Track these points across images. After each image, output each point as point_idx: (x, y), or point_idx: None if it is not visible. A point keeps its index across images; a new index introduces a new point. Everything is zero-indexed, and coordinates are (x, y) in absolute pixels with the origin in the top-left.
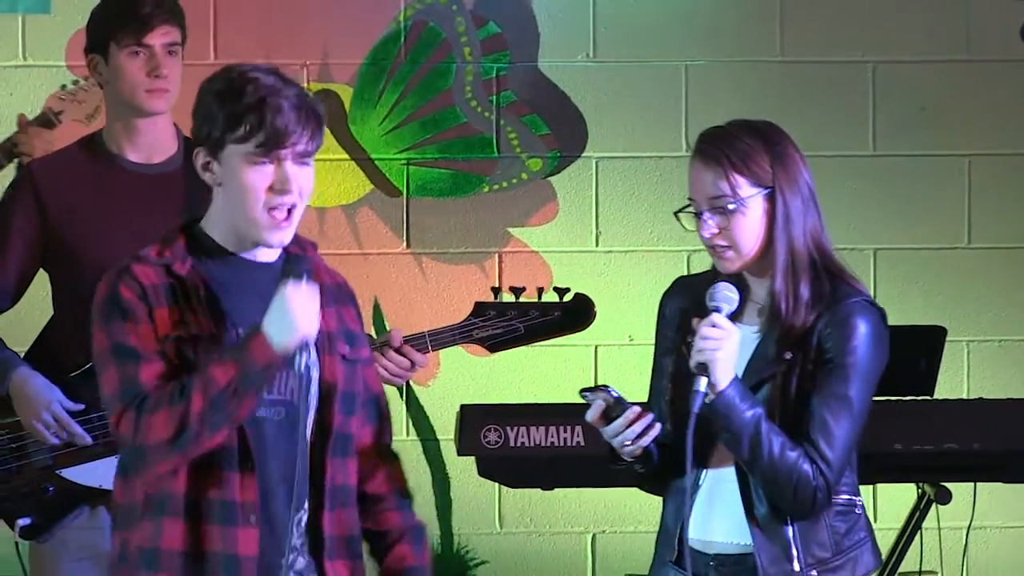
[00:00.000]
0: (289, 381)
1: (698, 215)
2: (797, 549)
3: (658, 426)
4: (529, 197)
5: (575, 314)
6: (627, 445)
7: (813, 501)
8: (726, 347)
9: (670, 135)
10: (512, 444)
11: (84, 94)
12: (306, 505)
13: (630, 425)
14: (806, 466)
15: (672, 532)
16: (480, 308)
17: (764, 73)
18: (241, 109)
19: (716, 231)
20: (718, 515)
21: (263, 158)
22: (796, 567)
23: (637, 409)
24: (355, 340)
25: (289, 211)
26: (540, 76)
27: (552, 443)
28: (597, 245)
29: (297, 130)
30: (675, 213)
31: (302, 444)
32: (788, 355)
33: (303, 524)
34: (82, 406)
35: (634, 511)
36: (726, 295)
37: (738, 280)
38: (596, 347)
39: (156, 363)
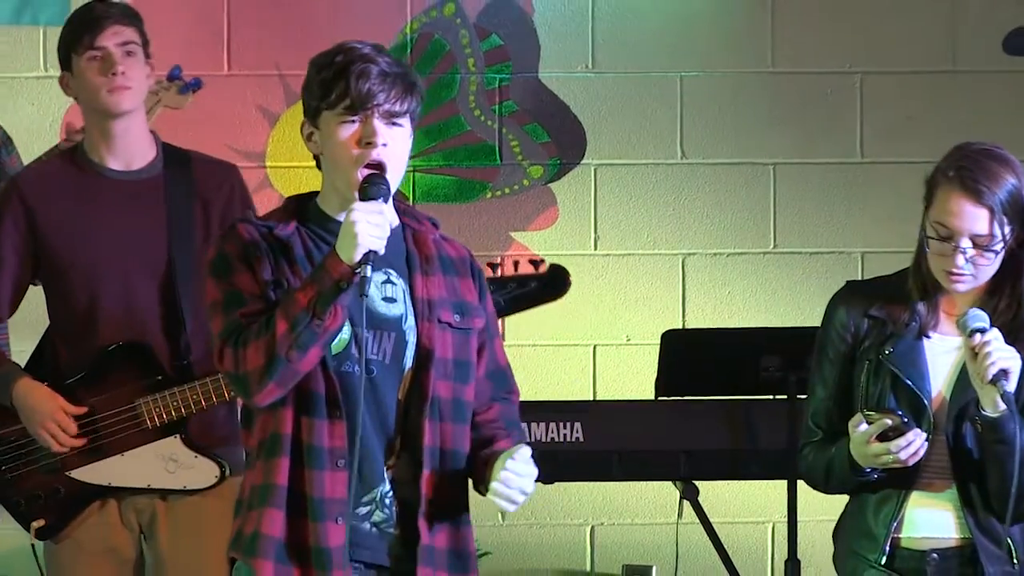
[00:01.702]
0: (383, 343)
1: (951, 243)
2: (1015, 548)
3: (925, 443)
4: (531, 202)
5: (551, 284)
6: (897, 464)
7: None
8: (1018, 361)
9: (666, 143)
10: None
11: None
12: (391, 461)
13: (909, 445)
14: None
15: (881, 537)
16: None
17: (756, 84)
18: (331, 76)
19: (971, 264)
20: (931, 516)
21: (351, 116)
22: (1016, 566)
23: (920, 432)
24: (467, 310)
25: (378, 165)
26: (541, 86)
27: (552, 439)
28: (596, 249)
29: (382, 91)
30: (924, 235)
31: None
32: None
33: (387, 479)
34: (85, 409)
35: (630, 504)
36: (985, 317)
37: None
38: (595, 347)
39: (254, 306)
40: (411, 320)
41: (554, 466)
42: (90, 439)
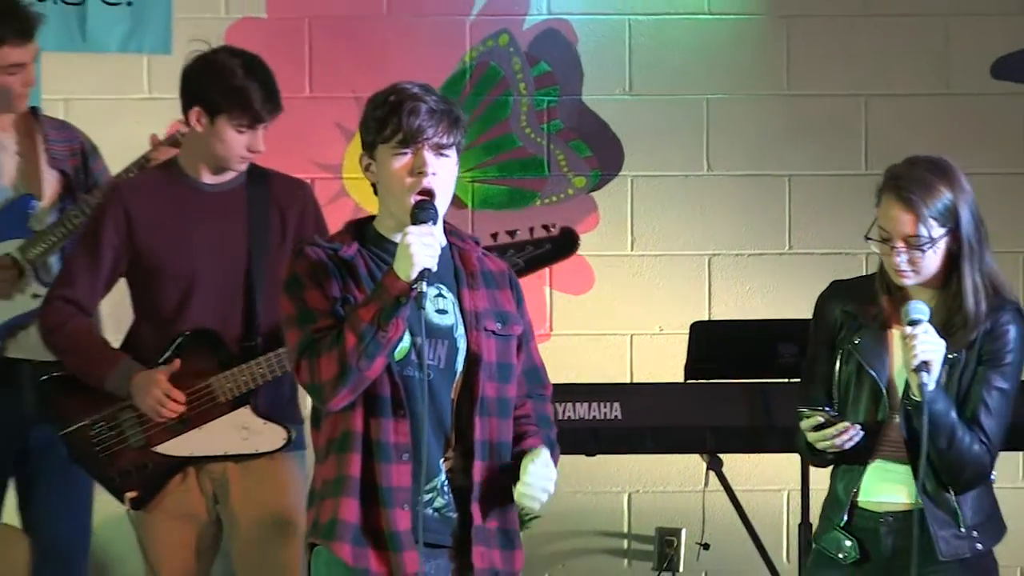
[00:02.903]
0: (438, 350)
1: (889, 244)
2: (963, 515)
3: (860, 434)
4: (574, 209)
5: (563, 243)
6: (834, 449)
7: (981, 478)
8: (940, 352)
9: (694, 157)
10: (560, 418)
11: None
12: (446, 453)
13: (839, 434)
14: (979, 450)
15: (844, 502)
16: (483, 252)
17: (773, 105)
18: (385, 113)
19: (909, 262)
20: (888, 484)
21: (404, 149)
22: (962, 530)
23: (848, 425)
24: (507, 319)
25: (428, 193)
26: (584, 107)
27: (594, 416)
28: (632, 250)
29: (431, 126)
30: (866, 237)
31: (441, 402)
32: (953, 355)
33: (444, 470)
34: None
35: (663, 474)
36: (925, 309)
37: (903, 291)
38: (631, 336)
39: (324, 321)
40: (461, 329)
41: (595, 441)
42: (172, 416)
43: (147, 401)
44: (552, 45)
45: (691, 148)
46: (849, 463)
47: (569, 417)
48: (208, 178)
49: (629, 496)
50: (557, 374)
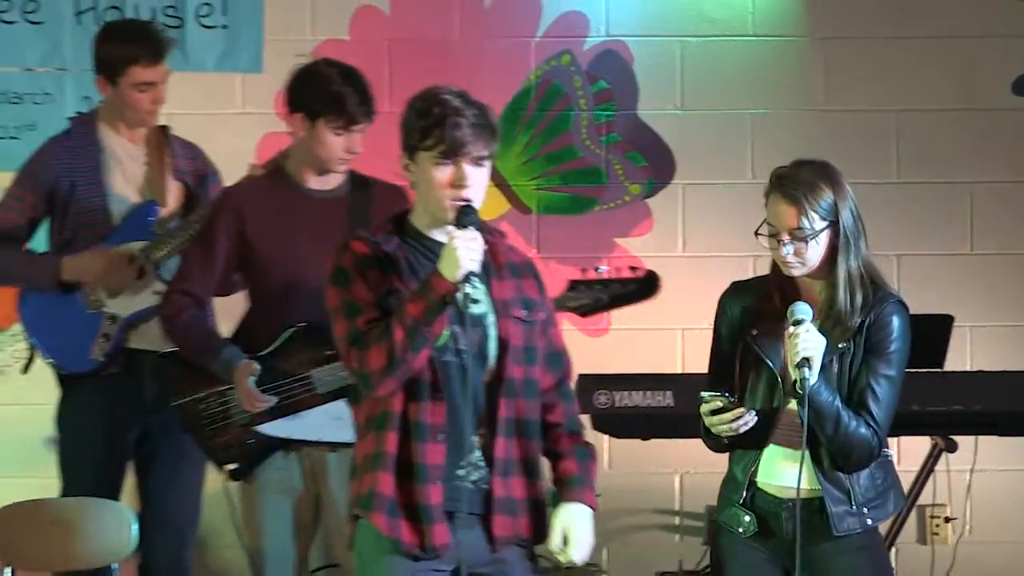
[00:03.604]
0: (471, 337)
1: (776, 238)
2: (854, 493)
3: (754, 419)
4: (631, 214)
5: (646, 286)
6: (730, 433)
7: (869, 458)
8: (821, 348)
9: (739, 167)
10: (617, 405)
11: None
12: (481, 431)
13: (736, 419)
14: (866, 433)
15: (741, 482)
16: (572, 284)
17: (811, 120)
18: (430, 124)
19: (794, 254)
20: (787, 469)
21: (446, 160)
22: (854, 507)
23: (744, 410)
24: (532, 305)
25: (465, 201)
26: (639, 121)
27: (648, 404)
28: (683, 251)
29: (471, 141)
30: (755, 233)
31: (471, 385)
32: (842, 345)
33: (478, 446)
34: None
35: (712, 457)
36: (807, 310)
37: (792, 282)
38: (682, 330)
39: (370, 312)
40: (491, 317)
41: (649, 426)
42: (275, 400)
43: (238, 393)
44: (610, 65)
45: (737, 159)
46: (745, 447)
47: (625, 404)
48: (313, 182)
49: (680, 477)
50: (614, 365)
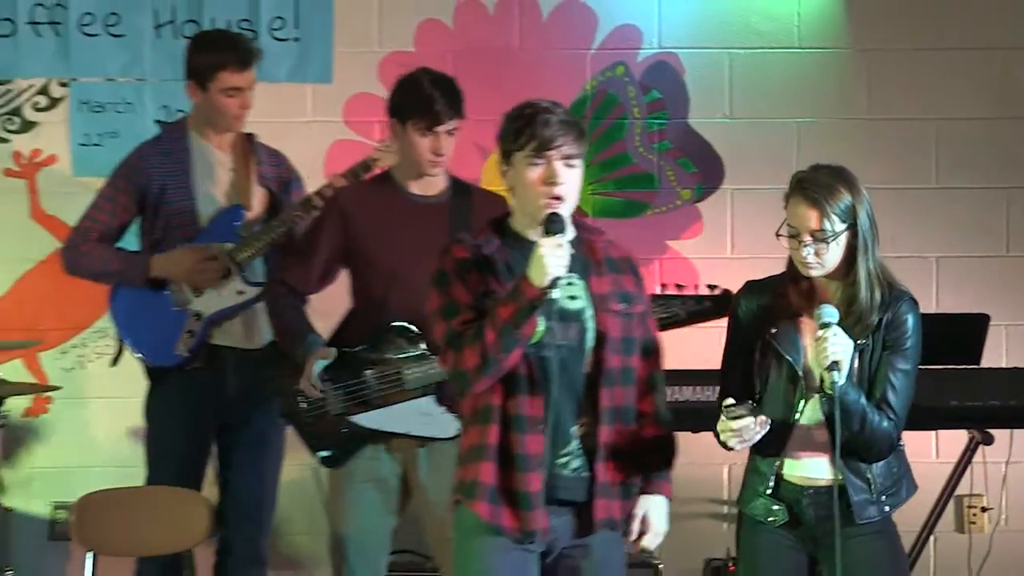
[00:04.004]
0: (570, 331)
1: (797, 239)
2: (873, 482)
3: (767, 428)
4: (682, 218)
5: (721, 304)
6: (742, 446)
7: (890, 450)
8: (849, 351)
9: (785, 173)
10: (670, 399)
11: (393, 148)
12: (580, 420)
13: (750, 428)
14: (888, 426)
15: (767, 473)
16: (651, 298)
17: (854, 128)
18: (521, 125)
19: (814, 253)
20: (811, 461)
21: (537, 159)
22: (874, 496)
23: (765, 418)
24: (630, 299)
25: (558, 198)
26: (690, 129)
27: (698, 399)
28: (731, 253)
29: (560, 136)
30: (776, 234)
31: (573, 376)
32: (862, 342)
33: (578, 436)
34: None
35: None
36: (835, 313)
37: (808, 282)
38: None
39: (466, 314)
40: (589, 311)
41: (699, 419)
42: (366, 394)
43: (303, 374)
44: (662, 75)
45: (783, 165)
46: (772, 438)
47: (677, 399)
48: (416, 188)
49: (728, 468)
50: (667, 361)
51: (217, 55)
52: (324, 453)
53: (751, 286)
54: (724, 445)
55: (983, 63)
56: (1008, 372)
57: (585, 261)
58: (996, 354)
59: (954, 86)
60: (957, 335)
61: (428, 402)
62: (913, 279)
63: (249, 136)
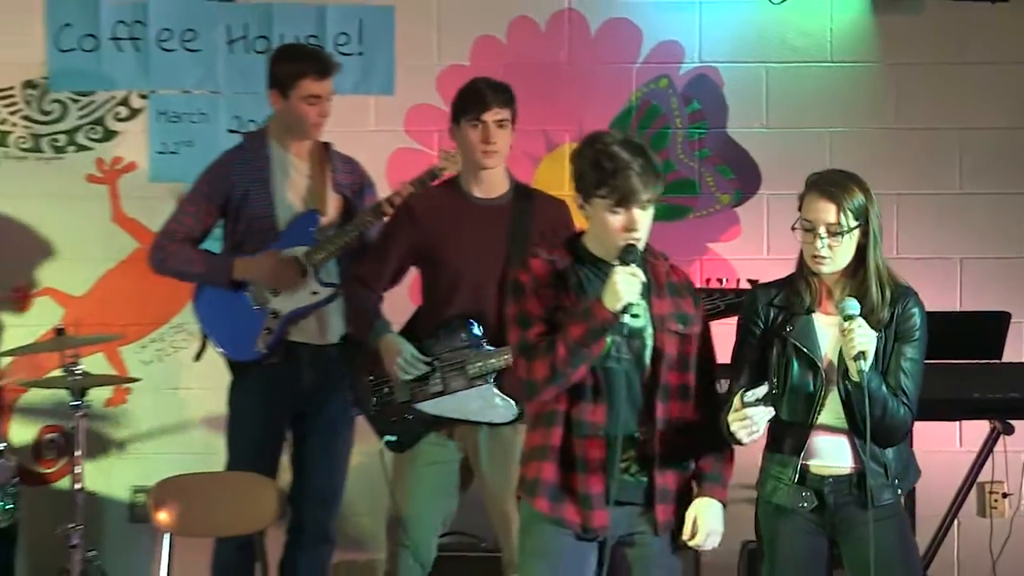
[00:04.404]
0: (632, 346)
1: (812, 232)
2: (889, 468)
3: (767, 415)
4: (721, 222)
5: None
6: (749, 440)
7: (905, 435)
8: (873, 341)
9: None
10: None
11: (458, 157)
12: (639, 429)
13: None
14: (905, 412)
15: (790, 461)
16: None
17: (883, 137)
18: (604, 177)
19: (828, 247)
20: (831, 450)
21: (618, 208)
22: (889, 480)
23: (771, 410)
24: (687, 320)
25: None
26: (728, 139)
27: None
28: (767, 255)
29: (640, 190)
30: (792, 227)
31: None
32: (877, 335)
33: (638, 442)
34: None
35: None
36: (857, 305)
37: (820, 281)
38: None
39: (539, 326)
40: (650, 329)
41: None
42: (431, 380)
43: (386, 359)
44: (703, 87)
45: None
46: (795, 427)
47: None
48: (478, 192)
49: (762, 455)
50: None
51: (299, 65)
52: (390, 438)
53: (763, 287)
54: (732, 437)
55: (1003, 77)
56: None
57: (648, 283)
58: (1016, 349)
59: (976, 98)
60: (979, 332)
61: (488, 390)
62: (937, 279)
63: (326, 145)
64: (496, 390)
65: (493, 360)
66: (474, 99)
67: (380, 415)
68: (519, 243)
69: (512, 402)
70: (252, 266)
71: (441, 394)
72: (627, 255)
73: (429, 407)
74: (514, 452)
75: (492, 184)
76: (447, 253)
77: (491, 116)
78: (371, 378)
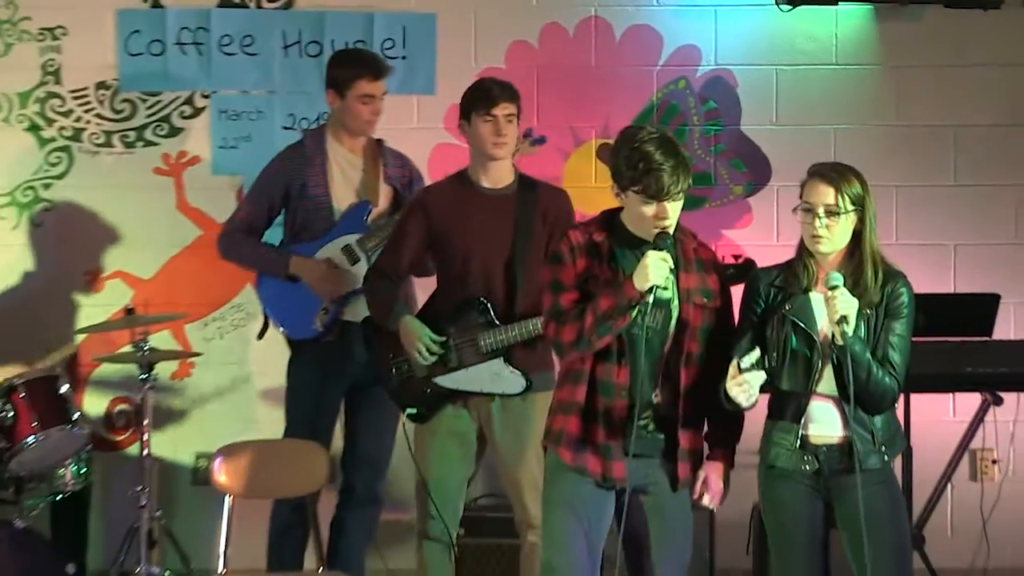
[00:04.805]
0: (656, 316)
1: (812, 214)
2: (876, 435)
3: (757, 379)
4: (734, 211)
5: (743, 271)
6: (748, 403)
7: (892, 402)
8: (854, 307)
9: None
10: None
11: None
12: (657, 391)
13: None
14: (891, 381)
15: (792, 429)
16: None
17: (884, 134)
18: (638, 175)
19: (826, 227)
20: (824, 419)
21: (650, 200)
22: (876, 447)
23: (758, 374)
24: (711, 295)
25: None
26: (741, 135)
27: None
28: (777, 241)
29: (670, 186)
30: (793, 210)
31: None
32: (868, 312)
33: (656, 403)
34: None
35: None
36: (840, 277)
37: (815, 262)
38: None
39: (571, 293)
40: (676, 301)
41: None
42: (447, 358)
43: (405, 341)
44: (718, 88)
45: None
46: (794, 396)
47: None
48: (486, 182)
49: None
50: None
51: (355, 68)
52: (411, 410)
53: (764, 271)
54: (732, 402)
55: (995, 78)
56: (1016, 343)
57: (677, 259)
58: (1006, 328)
59: (970, 98)
60: (972, 311)
61: (498, 363)
62: (933, 264)
63: (378, 141)
64: (506, 364)
65: (503, 336)
66: (485, 96)
67: (401, 390)
68: (524, 229)
69: (521, 374)
70: (305, 269)
71: (456, 369)
72: (660, 241)
73: (446, 381)
74: (524, 421)
75: (499, 175)
76: (458, 240)
77: (501, 111)
78: (392, 356)
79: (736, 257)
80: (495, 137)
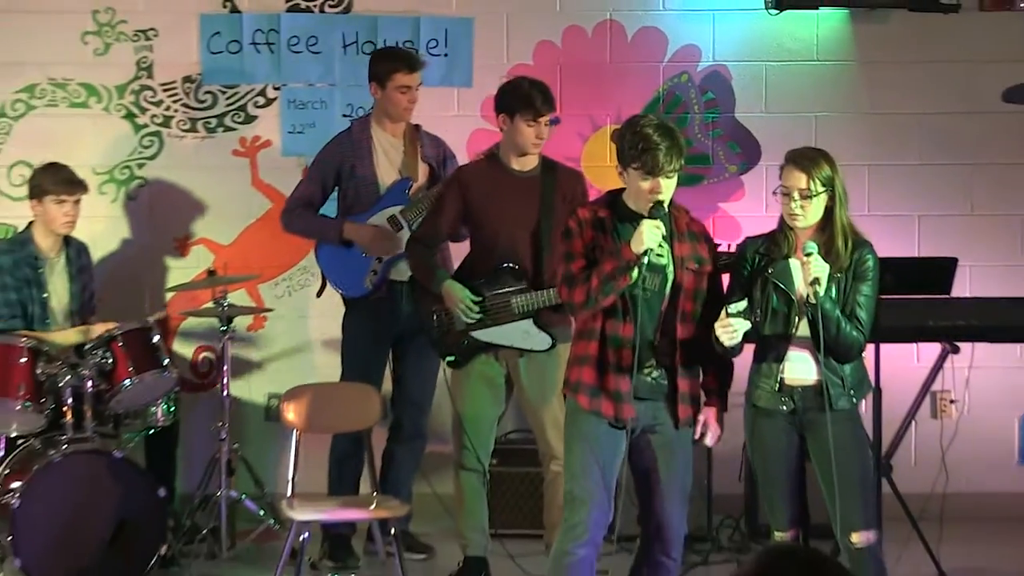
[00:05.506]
0: (655, 279)
1: (789, 196)
2: (845, 380)
3: (741, 326)
4: (729, 187)
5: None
6: (732, 342)
7: (859, 352)
8: (826, 271)
9: None
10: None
11: None
12: (659, 343)
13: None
14: (858, 335)
15: (772, 373)
16: None
17: (858, 120)
18: (637, 154)
19: (800, 208)
20: (800, 364)
21: (648, 176)
22: (845, 390)
23: (742, 321)
24: (702, 261)
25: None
26: (736, 121)
27: None
28: (765, 212)
29: (665, 165)
30: (773, 192)
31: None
32: (838, 275)
33: (658, 353)
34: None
35: None
36: (815, 245)
37: (794, 234)
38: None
39: (580, 261)
40: (671, 267)
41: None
42: (483, 315)
43: (449, 303)
44: (715, 81)
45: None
46: (774, 344)
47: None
48: (515, 164)
49: None
50: None
51: (394, 62)
52: (450, 358)
53: (751, 239)
54: (718, 342)
55: (954, 71)
56: (972, 300)
57: (672, 230)
58: (962, 286)
59: (932, 89)
60: (933, 273)
61: (528, 323)
62: (900, 232)
63: (416, 126)
64: (534, 324)
65: (532, 300)
66: (533, 104)
67: (441, 341)
68: (547, 206)
69: (547, 334)
70: (358, 233)
71: (491, 326)
72: (654, 211)
73: (481, 335)
74: (547, 372)
75: (527, 160)
76: (490, 215)
77: (544, 119)
78: (434, 312)
79: (729, 251)
80: (536, 140)
